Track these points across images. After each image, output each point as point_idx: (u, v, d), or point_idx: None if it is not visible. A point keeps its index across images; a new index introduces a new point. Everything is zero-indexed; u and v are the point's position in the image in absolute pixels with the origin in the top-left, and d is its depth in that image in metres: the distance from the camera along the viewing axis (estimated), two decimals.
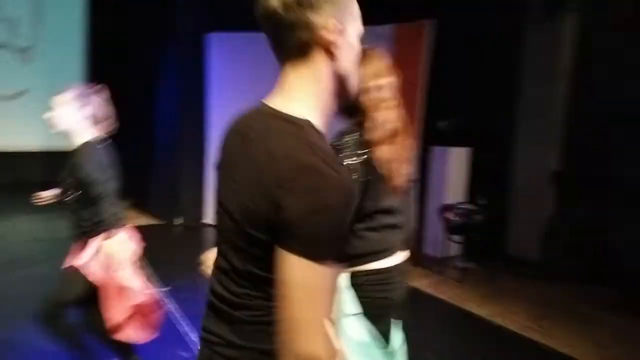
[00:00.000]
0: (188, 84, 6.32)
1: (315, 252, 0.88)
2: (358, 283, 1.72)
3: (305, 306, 0.88)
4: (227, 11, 5.95)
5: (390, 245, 1.79)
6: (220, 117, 6.23)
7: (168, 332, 3.13)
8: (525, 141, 4.98)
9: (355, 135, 1.74)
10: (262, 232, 0.94)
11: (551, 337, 3.50)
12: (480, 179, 5.27)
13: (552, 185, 4.85)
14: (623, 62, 4.32)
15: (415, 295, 4.49)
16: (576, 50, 4.77)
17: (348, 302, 1.67)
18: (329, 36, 0.96)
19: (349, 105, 1.70)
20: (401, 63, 5.82)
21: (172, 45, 6.39)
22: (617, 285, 4.14)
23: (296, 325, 0.88)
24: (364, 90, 1.72)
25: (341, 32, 0.98)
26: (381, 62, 1.80)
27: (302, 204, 0.87)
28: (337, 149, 1.69)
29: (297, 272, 0.88)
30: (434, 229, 5.45)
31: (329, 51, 0.98)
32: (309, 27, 0.95)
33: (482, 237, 4.67)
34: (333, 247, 0.90)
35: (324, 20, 0.95)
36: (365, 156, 1.70)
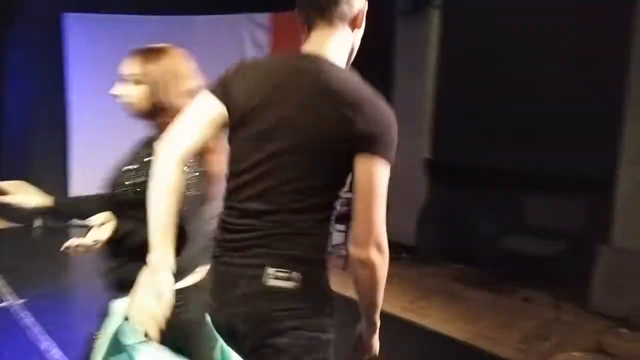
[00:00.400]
0: (44, 67, 5.72)
1: (391, 156, 1.18)
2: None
3: (382, 202, 1.15)
4: None
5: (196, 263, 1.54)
6: (81, 102, 5.76)
7: (25, 349, 2.76)
8: (400, 132, 5.18)
9: None
10: (335, 145, 1.15)
11: (428, 316, 3.69)
12: None
13: (424, 172, 5.13)
14: (483, 57, 4.68)
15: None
16: (441, 46, 5.07)
17: (129, 332, 1.22)
18: (360, 15, 1.26)
19: (155, 109, 1.51)
20: (280, 52, 5.81)
21: (25, 26, 5.68)
22: (483, 264, 4.50)
23: (376, 218, 1.15)
24: (178, 94, 1.51)
25: (364, 14, 1.27)
26: (188, 63, 1.62)
27: (380, 119, 1.17)
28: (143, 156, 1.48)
29: (382, 172, 1.15)
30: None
31: (356, 26, 1.27)
32: (350, 4, 1.23)
33: None
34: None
35: (359, 2, 1.25)
36: (200, 167, 1.47)
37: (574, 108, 4.12)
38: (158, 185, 1.17)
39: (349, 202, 4.33)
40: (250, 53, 5.62)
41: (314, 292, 1.23)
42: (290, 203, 1.19)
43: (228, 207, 1.26)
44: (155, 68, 1.52)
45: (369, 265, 1.16)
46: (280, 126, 1.18)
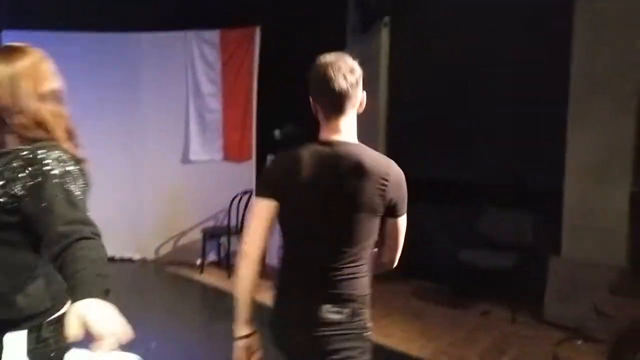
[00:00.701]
0: None
1: (405, 213, 1.68)
2: (45, 338, 1.38)
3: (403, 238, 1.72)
4: (23, 9, 5.28)
5: None
6: None
7: None
8: None
9: (57, 151, 1.36)
10: (371, 212, 1.57)
11: (390, 336, 3.65)
12: None
13: None
14: (432, 73, 4.78)
15: (260, 309, 4.38)
16: (391, 63, 5.14)
17: None
18: (362, 101, 1.65)
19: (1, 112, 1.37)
20: (231, 69, 5.76)
21: None
22: (442, 279, 4.52)
23: (399, 251, 1.73)
24: (31, 97, 1.37)
25: (365, 99, 1.67)
26: (46, 65, 1.46)
27: (402, 192, 1.63)
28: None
29: (404, 223, 1.68)
30: (277, 239, 5.38)
31: (359, 108, 1.66)
32: (357, 97, 1.62)
33: None
34: None
35: (361, 93, 1.64)
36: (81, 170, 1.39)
37: (523, 122, 4.25)
38: (245, 283, 1.66)
39: None
40: (200, 69, 5.57)
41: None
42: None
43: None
44: (3, 69, 1.36)
45: (392, 265, 1.79)
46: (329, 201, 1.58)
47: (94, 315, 1.01)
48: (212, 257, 5.60)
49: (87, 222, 1.22)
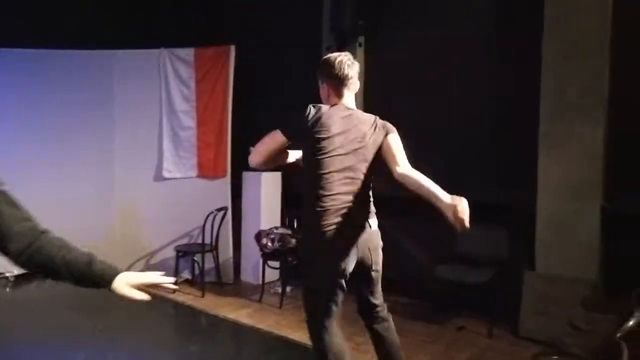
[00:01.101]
0: None
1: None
2: None
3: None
4: None
5: None
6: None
7: None
8: None
9: None
10: (378, 147, 2.44)
11: (366, 352, 3.59)
12: (294, 202, 5.34)
13: None
14: (407, 91, 4.86)
15: (234, 328, 4.30)
16: (365, 82, 5.20)
17: None
18: (357, 87, 2.57)
19: None
20: (205, 87, 5.75)
21: None
22: (422, 295, 4.52)
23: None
24: None
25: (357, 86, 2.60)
26: None
27: (388, 127, 2.51)
28: None
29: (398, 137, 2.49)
30: (252, 256, 5.32)
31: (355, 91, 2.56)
32: (356, 83, 2.54)
33: (298, 261, 4.69)
34: None
35: (357, 81, 2.55)
36: None
37: (498, 140, 4.33)
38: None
39: (282, 238, 4.23)
40: (174, 87, 5.53)
41: None
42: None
43: None
44: None
45: (414, 173, 2.31)
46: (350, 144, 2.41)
47: (135, 279, 1.46)
48: (185, 275, 5.48)
49: (34, 219, 1.39)
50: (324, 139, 2.33)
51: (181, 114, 5.54)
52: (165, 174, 5.56)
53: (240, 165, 5.49)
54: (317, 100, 2.53)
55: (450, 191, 2.08)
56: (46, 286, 5.45)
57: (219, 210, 5.26)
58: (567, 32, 3.72)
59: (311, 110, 2.39)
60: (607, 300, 3.62)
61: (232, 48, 5.41)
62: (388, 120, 2.55)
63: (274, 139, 2.38)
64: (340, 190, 2.33)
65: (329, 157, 2.33)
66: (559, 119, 3.76)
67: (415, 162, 2.20)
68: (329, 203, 2.31)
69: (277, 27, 5.82)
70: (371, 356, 3.53)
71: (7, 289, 5.30)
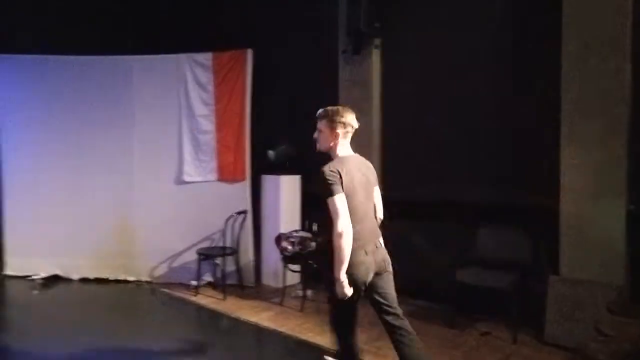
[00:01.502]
0: None
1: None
2: None
3: None
4: (15, 33, 5.44)
5: None
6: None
7: None
8: None
9: None
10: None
11: (385, 357, 3.58)
12: (313, 205, 5.34)
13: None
14: (424, 94, 4.81)
15: (256, 331, 4.32)
16: (382, 84, 5.17)
17: None
18: None
19: None
20: (224, 91, 5.82)
21: None
22: (440, 299, 4.47)
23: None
24: None
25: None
26: None
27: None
28: None
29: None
30: (272, 259, 5.34)
31: None
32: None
33: (318, 264, 4.68)
34: None
35: None
36: None
37: (520, 143, 4.27)
38: (349, 244, 2.62)
39: (301, 242, 4.30)
40: (193, 91, 5.59)
41: None
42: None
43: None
44: None
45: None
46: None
47: None
48: (207, 277, 5.52)
49: None
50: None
51: (200, 118, 5.59)
52: (186, 178, 5.62)
53: (258, 168, 5.53)
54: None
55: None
56: (73, 289, 5.57)
57: (239, 213, 5.29)
58: (586, 33, 3.64)
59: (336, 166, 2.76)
60: (633, 305, 3.54)
61: (250, 52, 5.45)
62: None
63: (341, 200, 2.63)
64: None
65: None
66: (581, 121, 3.69)
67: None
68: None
69: (294, 30, 5.83)
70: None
71: (35, 291, 5.42)
